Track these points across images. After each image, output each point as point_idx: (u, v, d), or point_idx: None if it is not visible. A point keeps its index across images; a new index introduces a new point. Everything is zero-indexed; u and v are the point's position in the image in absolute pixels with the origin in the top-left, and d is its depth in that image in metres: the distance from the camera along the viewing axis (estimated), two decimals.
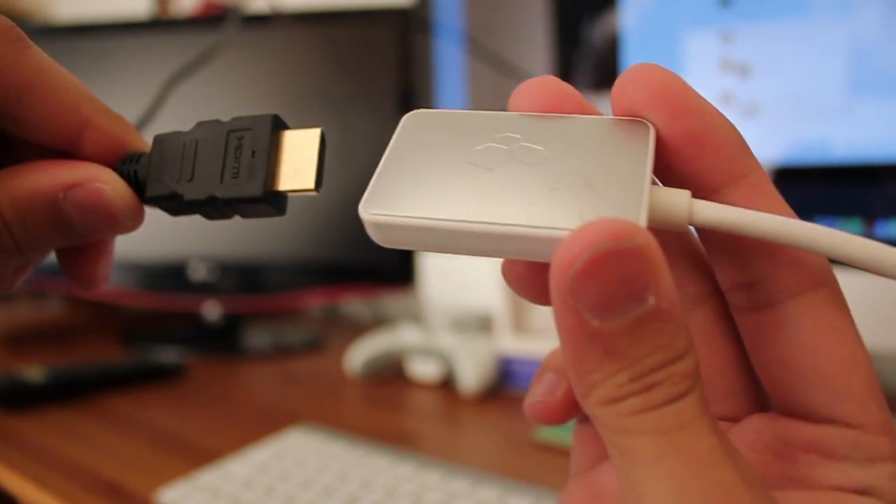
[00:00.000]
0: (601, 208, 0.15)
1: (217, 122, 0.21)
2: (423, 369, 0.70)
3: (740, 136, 0.16)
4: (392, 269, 0.81)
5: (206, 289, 0.85)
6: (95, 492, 0.49)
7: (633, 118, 0.17)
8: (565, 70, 0.66)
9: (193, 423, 0.62)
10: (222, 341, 0.87)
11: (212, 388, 0.73)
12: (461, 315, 0.70)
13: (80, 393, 0.69)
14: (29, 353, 0.84)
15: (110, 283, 0.83)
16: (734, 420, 0.18)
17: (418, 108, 0.18)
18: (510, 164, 0.16)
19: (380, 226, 0.16)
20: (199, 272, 0.85)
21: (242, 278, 0.85)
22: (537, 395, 0.19)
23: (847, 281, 0.54)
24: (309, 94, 0.83)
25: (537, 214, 0.15)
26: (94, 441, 0.58)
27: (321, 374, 0.76)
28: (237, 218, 0.22)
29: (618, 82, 0.16)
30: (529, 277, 0.17)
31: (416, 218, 0.15)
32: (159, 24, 0.88)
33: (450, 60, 0.73)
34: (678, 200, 0.16)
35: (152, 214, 0.22)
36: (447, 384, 0.69)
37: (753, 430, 0.17)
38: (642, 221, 0.14)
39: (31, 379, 0.67)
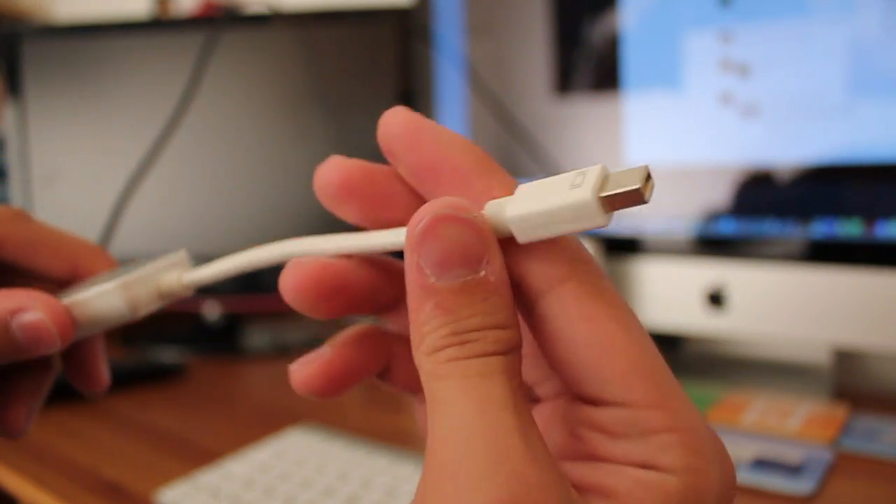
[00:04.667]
0: (113, 279, 0.23)
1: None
2: None
3: (479, 156, 0.18)
4: None
5: (205, 289, 0.85)
6: (95, 492, 0.49)
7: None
8: (565, 70, 0.66)
9: (193, 423, 0.62)
10: (222, 341, 0.87)
11: (212, 388, 0.73)
12: None
13: (81, 393, 0.69)
14: None
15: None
16: (536, 398, 0.20)
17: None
18: None
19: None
20: None
21: (242, 278, 0.85)
22: (298, 361, 0.20)
23: (848, 280, 0.53)
24: (309, 94, 0.83)
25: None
26: (94, 441, 0.58)
27: None
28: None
29: (379, 125, 0.19)
30: (308, 290, 0.19)
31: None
32: (159, 24, 0.88)
33: (449, 60, 0.73)
34: (170, 276, 0.24)
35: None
36: None
37: (552, 411, 0.19)
38: (128, 278, 0.23)
39: None
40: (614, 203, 0.15)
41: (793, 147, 0.56)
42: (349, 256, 0.19)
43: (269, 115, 0.84)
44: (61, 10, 1.27)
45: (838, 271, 0.55)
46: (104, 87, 0.86)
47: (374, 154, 0.20)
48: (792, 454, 0.49)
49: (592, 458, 0.17)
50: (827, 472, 0.47)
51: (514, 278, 0.17)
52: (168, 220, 0.85)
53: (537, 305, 0.17)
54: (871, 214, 0.54)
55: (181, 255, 0.25)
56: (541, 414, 0.19)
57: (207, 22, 0.83)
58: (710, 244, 0.60)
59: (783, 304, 0.57)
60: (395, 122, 0.19)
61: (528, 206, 0.16)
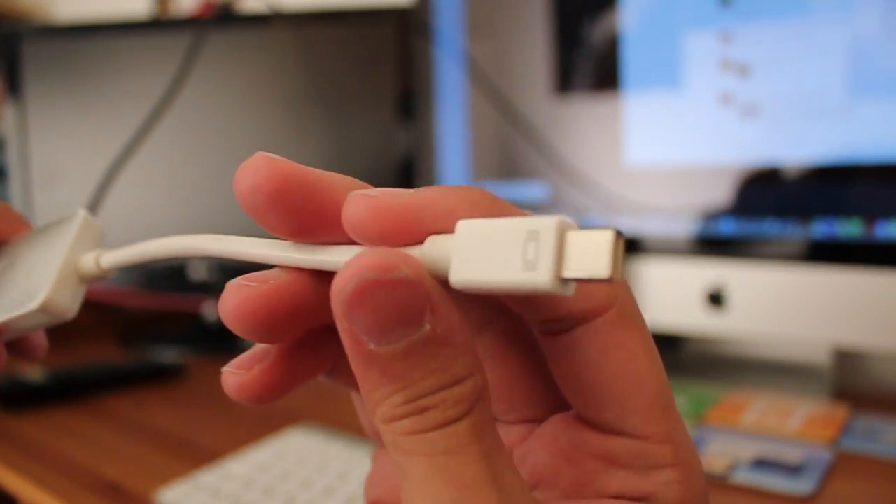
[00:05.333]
0: (29, 285, 0.22)
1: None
2: None
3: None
4: None
5: (206, 289, 0.85)
6: (95, 492, 0.49)
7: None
8: (565, 70, 0.66)
9: (193, 423, 0.62)
10: (222, 341, 0.87)
11: (212, 388, 0.73)
12: None
13: (80, 393, 0.69)
14: None
15: (112, 284, 0.83)
16: (538, 421, 0.18)
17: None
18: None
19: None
20: (199, 272, 0.85)
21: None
22: (233, 364, 0.18)
23: (848, 280, 0.53)
24: (308, 94, 0.83)
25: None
26: (94, 441, 0.58)
27: None
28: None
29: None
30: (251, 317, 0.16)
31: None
32: (159, 24, 0.88)
33: (449, 60, 0.73)
34: (87, 259, 0.22)
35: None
36: None
37: (551, 434, 0.18)
38: (47, 290, 0.21)
39: (31, 379, 0.67)
40: (576, 280, 0.13)
41: (793, 147, 0.56)
42: (299, 270, 0.17)
43: (269, 115, 0.84)
44: (61, 10, 1.27)
45: (838, 271, 0.55)
46: (104, 87, 0.86)
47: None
48: (792, 454, 0.49)
49: (586, 484, 0.16)
50: (827, 472, 0.47)
51: (550, 311, 0.16)
52: (167, 219, 0.85)
53: (572, 332, 0.16)
54: (871, 214, 0.54)
55: (82, 218, 0.23)
56: (527, 437, 0.18)
57: (207, 22, 0.83)
58: (710, 244, 0.60)
59: (783, 304, 0.57)
60: (359, 211, 0.15)
61: (473, 272, 0.14)
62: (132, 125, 0.81)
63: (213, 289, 0.85)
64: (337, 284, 0.14)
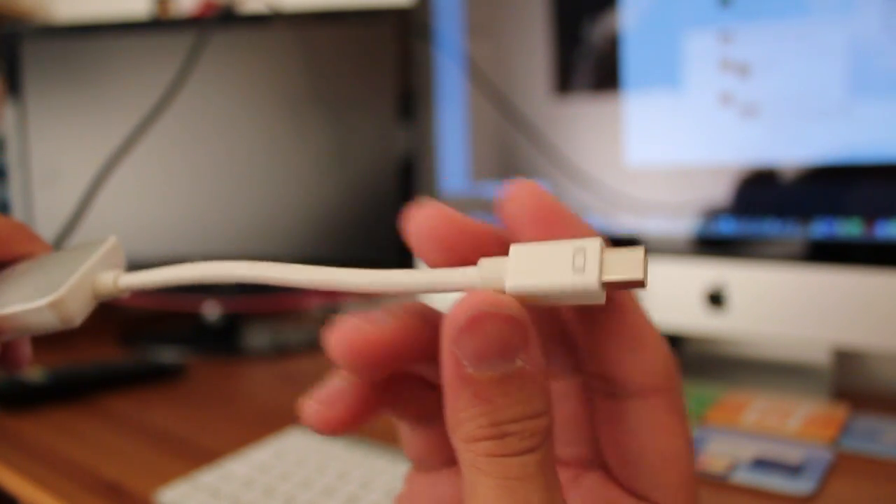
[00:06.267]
0: (44, 285, 0.23)
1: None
2: None
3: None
4: (391, 268, 0.81)
5: (206, 289, 0.85)
6: (95, 492, 0.49)
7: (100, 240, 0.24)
8: (565, 70, 0.66)
9: (193, 423, 0.62)
10: (222, 341, 0.87)
11: (212, 388, 0.73)
12: None
13: (80, 393, 0.69)
14: None
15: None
16: (587, 461, 0.20)
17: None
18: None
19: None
20: None
21: None
22: (315, 399, 0.19)
23: (848, 280, 0.53)
24: (309, 94, 0.83)
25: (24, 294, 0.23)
26: (94, 441, 0.58)
27: (321, 374, 0.76)
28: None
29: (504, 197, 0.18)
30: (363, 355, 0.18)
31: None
32: (159, 24, 0.88)
33: (449, 60, 0.73)
34: (106, 276, 0.23)
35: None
36: None
37: (589, 487, 0.20)
38: (61, 291, 0.22)
39: (31, 379, 0.67)
40: (613, 286, 0.16)
41: (792, 147, 0.56)
42: (408, 316, 0.18)
43: (269, 116, 0.84)
44: (61, 10, 1.27)
45: (838, 271, 0.55)
46: (104, 87, 0.86)
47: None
48: (792, 454, 0.49)
49: None
50: (827, 472, 0.47)
51: (607, 373, 0.18)
52: (167, 219, 0.85)
53: (626, 401, 0.18)
54: (871, 214, 0.54)
55: (112, 243, 0.24)
56: (572, 482, 0.20)
57: (207, 22, 0.83)
58: (710, 244, 0.60)
59: (783, 304, 0.57)
60: (523, 202, 0.18)
61: (527, 279, 0.17)
62: (132, 125, 0.81)
63: (213, 289, 0.85)
64: (453, 313, 0.16)
